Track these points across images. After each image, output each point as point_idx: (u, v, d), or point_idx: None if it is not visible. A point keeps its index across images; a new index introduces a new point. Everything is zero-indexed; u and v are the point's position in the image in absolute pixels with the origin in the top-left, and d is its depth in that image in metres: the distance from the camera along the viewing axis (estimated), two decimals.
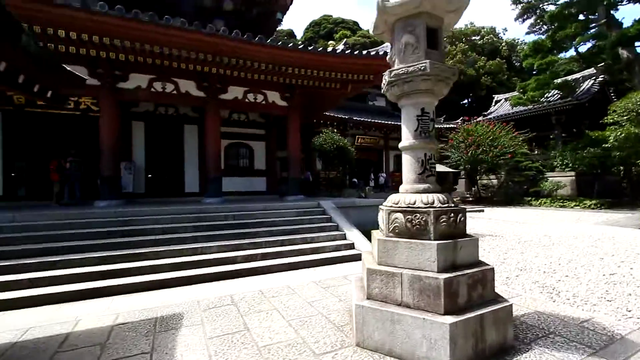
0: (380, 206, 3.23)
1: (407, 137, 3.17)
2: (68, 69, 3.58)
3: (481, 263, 2.98)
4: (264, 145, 13.38)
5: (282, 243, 6.27)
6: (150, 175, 11.26)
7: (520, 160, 19.21)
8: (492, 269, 2.93)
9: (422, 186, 3.08)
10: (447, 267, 2.75)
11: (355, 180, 20.37)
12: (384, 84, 3.26)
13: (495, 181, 21.86)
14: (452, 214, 2.90)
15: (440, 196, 3.00)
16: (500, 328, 2.68)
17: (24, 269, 4.47)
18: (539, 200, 17.97)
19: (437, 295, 2.58)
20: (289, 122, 10.50)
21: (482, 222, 12.04)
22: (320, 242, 6.59)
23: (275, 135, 13.47)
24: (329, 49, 9.04)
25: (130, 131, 10.83)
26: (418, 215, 2.88)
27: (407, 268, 2.83)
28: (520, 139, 18.93)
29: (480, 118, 24.36)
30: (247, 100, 9.92)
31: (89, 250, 5.06)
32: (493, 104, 27.98)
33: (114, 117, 8.23)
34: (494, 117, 24.30)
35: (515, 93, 24.10)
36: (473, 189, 21.84)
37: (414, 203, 2.96)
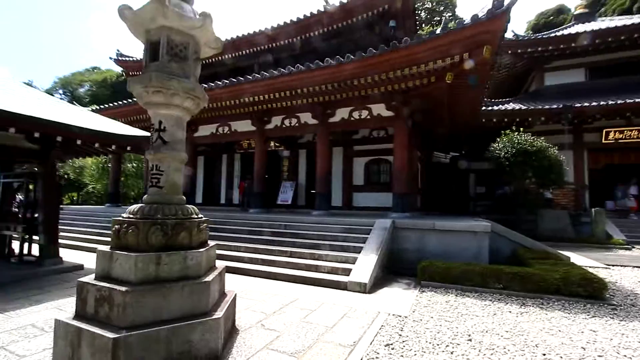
0: None
1: None
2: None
3: None
4: None
5: (288, 254, 6.55)
6: (312, 191, 14.15)
7: None
8: None
9: (146, 197, 3.15)
10: None
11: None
12: None
13: None
14: (127, 226, 2.84)
15: (143, 208, 2.96)
16: None
17: None
18: None
19: None
20: (395, 132, 9.67)
21: None
22: (325, 260, 6.16)
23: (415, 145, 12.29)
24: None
25: (297, 158, 14.35)
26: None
27: None
28: None
29: None
30: (352, 118, 10.34)
31: None
32: None
33: (262, 151, 11.75)
34: None
35: None
36: None
37: (131, 212, 3.14)
